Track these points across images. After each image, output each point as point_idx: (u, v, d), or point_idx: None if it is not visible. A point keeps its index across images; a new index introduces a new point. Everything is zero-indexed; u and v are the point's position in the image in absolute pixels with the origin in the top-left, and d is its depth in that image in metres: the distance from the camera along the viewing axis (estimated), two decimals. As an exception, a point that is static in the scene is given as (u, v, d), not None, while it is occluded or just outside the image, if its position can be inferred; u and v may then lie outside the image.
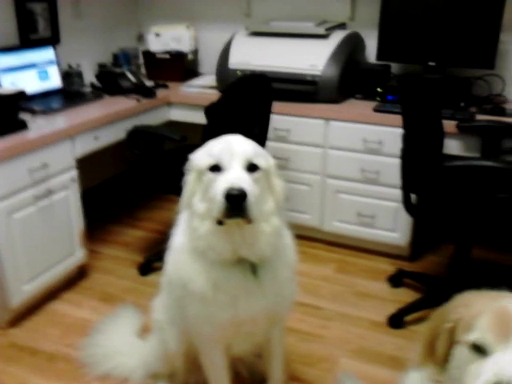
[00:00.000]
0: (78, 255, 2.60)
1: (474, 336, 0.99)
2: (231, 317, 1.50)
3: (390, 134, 2.64)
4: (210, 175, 1.36)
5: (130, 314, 2.27)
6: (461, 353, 1.03)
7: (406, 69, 3.07)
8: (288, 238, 1.61)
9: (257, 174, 1.37)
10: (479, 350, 0.98)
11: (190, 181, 1.45)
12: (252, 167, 1.36)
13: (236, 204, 1.28)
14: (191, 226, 1.44)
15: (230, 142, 1.40)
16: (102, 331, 2.17)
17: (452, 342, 1.06)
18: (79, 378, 2.04)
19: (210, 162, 1.37)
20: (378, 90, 2.85)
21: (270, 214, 1.42)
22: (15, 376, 2.06)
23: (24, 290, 2.31)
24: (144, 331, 2.17)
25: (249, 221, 1.33)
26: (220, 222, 1.35)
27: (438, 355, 1.10)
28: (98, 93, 2.98)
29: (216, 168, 1.35)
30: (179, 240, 1.56)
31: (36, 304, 2.46)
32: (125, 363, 2.03)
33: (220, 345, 1.66)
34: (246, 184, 1.31)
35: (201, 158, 1.42)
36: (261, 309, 1.52)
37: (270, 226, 1.42)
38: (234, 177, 1.31)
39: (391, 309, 2.39)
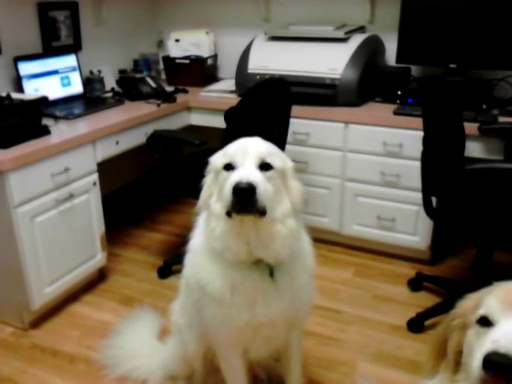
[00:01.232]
0: (98, 258, 2.63)
1: (481, 311, 1.00)
2: (248, 319, 1.50)
3: (410, 137, 2.62)
4: (225, 174, 1.37)
5: (149, 317, 2.29)
6: (471, 335, 1.02)
7: (426, 71, 3.05)
8: (306, 243, 1.60)
9: (270, 173, 1.36)
10: (487, 324, 0.98)
11: (207, 182, 1.47)
12: (265, 166, 1.36)
13: (244, 197, 1.28)
14: (209, 227, 1.45)
15: (245, 142, 1.41)
16: (122, 333, 2.20)
17: (462, 338, 1.05)
18: (99, 380, 2.06)
19: (225, 161, 1.38)
20: (398, 92, 2.83)
21: (286, 215, 1.41)
22: (36, 377, 2.09)
23: (45, 293, 2.34)
24: (163, 333, 2.19)
25: (260, 214, 1.33)
26: (228, 214, 1.35)
27: (450, 356, 1.08)
28: (118, 98, 3.02)
29: (230, 167, 1.36)
30: (197, 242, 1.57)
31: (57, 306, 2.49)
32: (144, 365, 2.04)
33: (238, 348, 1.65)
34: (256, 179, 1.30)
35: (217, 158, 1.44)
36: (278, 311, 1.51)
37: (285, 228, 1.41)
38: (244, 172, 1.32)
39: (411, 313, 2.36)
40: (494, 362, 0.89)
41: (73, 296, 2.57)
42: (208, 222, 1.46)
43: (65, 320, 2.44)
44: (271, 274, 1.46)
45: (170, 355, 1.93)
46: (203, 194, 1.47)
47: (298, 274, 1.53)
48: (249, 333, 1.56)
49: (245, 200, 1.28)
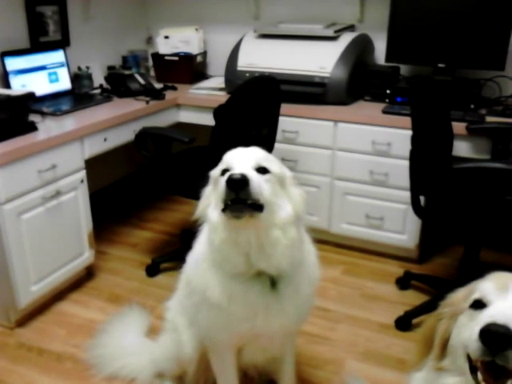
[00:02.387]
0: (86, 256, 2.61)
1: (475, 295, 1.04)
2: (247, 330, 1.49)
3: (398, 136, 2.63)
4: (221, 178, 1.35)
5: (138, 315, 2.27)
6: (462, 320, 1.05)
7: (415, 71, 3.06)
8: (311, 254, 1.58)
9: (267, 176, 1.34)
10: (480, 307, 1.01)
11: (206, 192, 1.46)
12: (262, 169, 1.34)
13: (237, 186, 1.25)
14: (209, 237, 1.44)
15: (242, 150, 1.42)
16: (109, 331, 2.18)
17: (451, 325, 1.08)
18: (86, 379, 2.05)
19: (222, 167, 1.38)
20: (387, 91, 2.83)
21: (287, 222, 1.37)
22: (23, 376, 2.07)
23: (32, 291, 2.32)
24: (152, 332, 2.18)
25: (256, 209, 1.29)
26: (225, 208, 1.30)
27: (437, 343, 1.11)
28: (107, 95, 3.00)
29: (226, 171, 1.35)
30: (201, 249, 1.54)
31: (44, 304, 2.47)
32: (132, 363, 2.03)
33: (231, 349, 1.65)
34: (251, 173, 1.29)
35: (216, 169, 1.43)
36: (279, 325, 1.50)
37: (286, 236, 1.37)
38: (239, 169, 1.31)
39: (399, 311, 2.37)
40: (491, 332, 0.91)
41: (60, 294, 2.55)
42: (208, 233, 1.44)
43: (52, 318, 2.42)
44: (273, 285, 1.43)
45: (162, 353, 1.91)
46: (201, 204, 1.46)
47: (302, 286, 1.50)
48: (245, 339, 1.57)
49: (238, 189, 1.25)
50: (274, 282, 1.43)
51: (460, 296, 1.10)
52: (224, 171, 1.36)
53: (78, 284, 2.65)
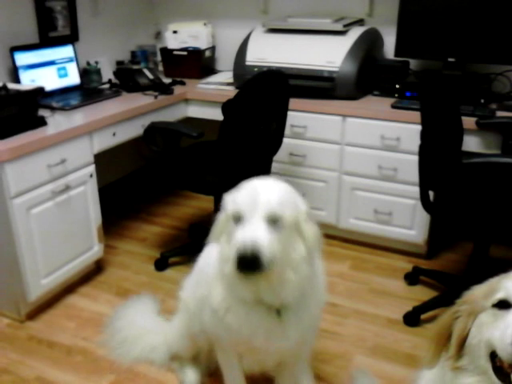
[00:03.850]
0: (95, 250, 2.62)
1: (499, 295, 1.01)
2: (243, 342, 1.50)
3: (407, 131, 2.61)
4: (233, 224, 1.32)
5: (149, 301, 2.31)
6: (483, 319, 1.03)
7: (424, 65, 3.04)
8: (320, 277, 1.55)
9: (280, 227, 1.30)
10: (506, 307, 0.99)
11: (220, 219, 1.43)
12: (275, 220, 1.29)
13: (248, 265, 1.23)
14: (219, 264, 1.43)
15: (255, 189, 1.33)
16: (123, 316, 2.22)
17: (468, 324, 1.06)
18: (96, 371, 2.06)
19: (233, 210, 1.32)
20: (396, 86, 2.82)
21: (299, 261, 1.36)
22: (33, 368, 2.09)
23: (42, 284, 2.34)
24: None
25: (268, 274, 1.29)
26: (235, 269, 1.29)
27: (454, 342, 1.09)
28: (115, 89, 3.00)
29: (239, 218, 1.30)
30: (213, 261, 1.53)
31: (53, 298, 2.49)
32: (147, 343, 2.07)
33: (233, 350, 1.66)
34: (263, 241, 1.24)
35: (230, 201, 1.38)
36: (280, 348, 1.50)
37: (297, 276, 1.36)
38: (249, 235, 1.25)
39: (407, 307, 2.37)
40: None
41: (69, 288, 2.57)
42: (218, 261, 1.44)
43: (61, 312, 2.44)
44: (278, 313, 1.43)
45: (176, 332, 1.94)
46: (215, 230, 1.44)
47: (308, 312, 1.48)
48: (244, 349, 1.58)
49: (248, 266, 1.24)
50: (278, 311, 1.43)
51: (479, 293, 1.08)
52: (236, 217, 1.31)
53: (88, 278, 2.67)
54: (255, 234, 1.25)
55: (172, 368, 2.05)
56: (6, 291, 2.33)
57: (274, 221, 1.28)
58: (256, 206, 1.28)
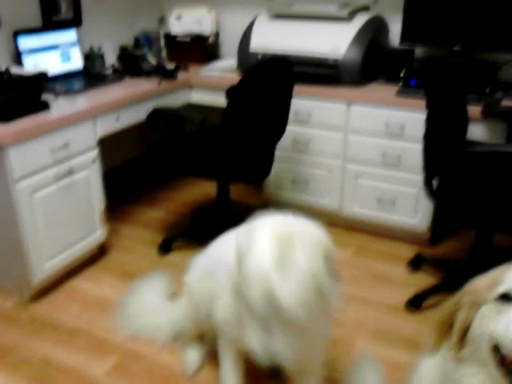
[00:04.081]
0: (98, 234, 2.63)
1: (502, 288, 1.00)
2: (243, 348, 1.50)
3: (412, 119, 2.61)
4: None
5: (158, 279, 2.33)
6: (486, 312, 1.03)
7: (430, 53, 3.02)
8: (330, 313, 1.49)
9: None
10: (508, 300, 0.99)
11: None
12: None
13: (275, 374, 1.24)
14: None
15: (274, 292, 1.19)
16: (130, 294, 2.25)
17: (471, 315, 1.06)
18: (99, 353, 2.08)
19: (253, 310, 1.24)
20: (401, 73, 2.81)
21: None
22: (37, 349, 2.10)
23: (45, 267, 2.35)
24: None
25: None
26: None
27: (456, 332, 1.09)
28: (119, 75, 2.99)
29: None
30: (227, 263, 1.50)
31: (57, 280, 2.50)
32: (152, 321, 2.10)
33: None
34: (285, 352, 1.23)
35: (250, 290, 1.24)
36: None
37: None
38: (272, 349, 1.22)
39: (409, 293, 2.38)
40: None
41: (73, 271, 2.58)
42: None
43: (65, 294, 2.45)
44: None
45: (181, 314, 1.97)
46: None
47: (316, 333, 1.47)
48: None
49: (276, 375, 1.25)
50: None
51: (481, 284, 1.07)
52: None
53: (91, 261, 2.68)
54: (278, 345, 1.23)
55: (174, 348, 2.07)
56: (10, 273, 2.35)
57: (297, 326, 1.23)
58: (276, 314, 1.21)
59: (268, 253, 1.20)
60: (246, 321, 1.30)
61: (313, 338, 1.43)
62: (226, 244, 1.66)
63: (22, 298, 2.37)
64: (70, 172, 2.38)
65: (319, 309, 1.27)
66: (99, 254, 2.74)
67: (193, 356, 1.99)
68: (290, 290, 1.18)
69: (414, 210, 2.77)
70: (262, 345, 1.22)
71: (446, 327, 1.12)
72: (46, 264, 2.35)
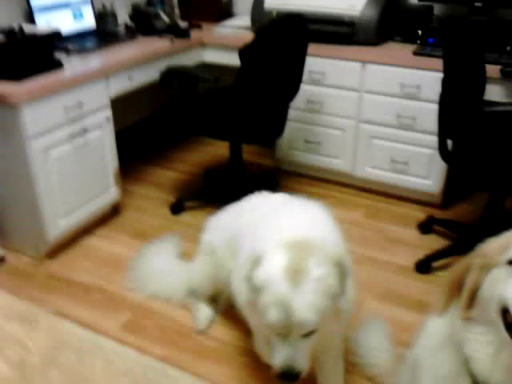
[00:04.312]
0: (111, 193, 2.66)
1: None
2: None
3: (428, 79, 2.55)
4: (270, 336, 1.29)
5: (169, 241, 2.37)
6: (497, 275, 1.03)
7: (449, 10, 2.94)
8: (348, 301, 1.42)
9: (315, 333, 1.27)
10: None
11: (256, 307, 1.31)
12: (312, 332, 1.25)
13: (289, 380, 1.25)
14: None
15: (287, 306, 1.19)
16: (144, 257, 2.29)
17: (481, 277, 1.06)
18: (113, 309, 2.14)
19: (269, 327, 1.25)
20: (419, 32, 2.74)
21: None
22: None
23: (60, 225, 2.39)
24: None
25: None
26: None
27: (466, 293, 1.10)
28: (131, 33, 2.96)
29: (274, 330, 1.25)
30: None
31: (71, 238, 2.55)
32: (169, 283, 2.14)
33: None
34: (301, 362, 1.24)
35: (269, 313, 1.23)
36: None
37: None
38: (288, 357, 1.24)
39: (420, 255, 2.39)
40: None
41: (87, 229, 2.62)
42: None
43: (79, 252, 2.50)
44: None
45: (198, 273, 1.98)
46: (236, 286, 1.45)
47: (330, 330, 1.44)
48: None
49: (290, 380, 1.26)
50: None
51: (493, 247, 1.07)
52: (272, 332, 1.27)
53: (105, 220, 2.72)
54: (293, 354, 1.23)
55: (187, 304, 2.11)
56: (25, 231, 2.39)
57: (311, 333, 1.25)
58: (291, 326, 1.21)
59: (280, 264, 1.21)
60: (260, 330, 1.37)
61: (327, 335, 1.42)
62: (248, 214, 1.68)
63: (37, 255, 2.42)
64: (84, 131, 2.39)
65: (332, 314, 1.29)
66: (112, 213, 2.78)
67: (204, 313, 2.04)
68: (303, 302, 1.18)
69: (427, 172, 2.75)
70: (280, 357, 1.24)
71: (456, 288, 1.13)
72: (60, 222, 2.39)
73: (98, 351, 0.89)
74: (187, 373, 0.85)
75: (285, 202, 1.67)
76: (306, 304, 1.19)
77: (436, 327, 1.29)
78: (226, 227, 1.83)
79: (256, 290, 1.26)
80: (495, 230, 1.16)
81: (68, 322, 0.98)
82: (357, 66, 2.71)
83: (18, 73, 2.16)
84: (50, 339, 0.91)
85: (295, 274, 1.20)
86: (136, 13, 3.13)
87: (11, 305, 1.00)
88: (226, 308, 2.06)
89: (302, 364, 1.25)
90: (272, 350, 1.28)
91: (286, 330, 1.22)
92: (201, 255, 1.98)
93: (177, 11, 3.47)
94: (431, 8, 2.83)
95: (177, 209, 2.82)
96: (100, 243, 2.57)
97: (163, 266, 2.22)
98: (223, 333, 2.01)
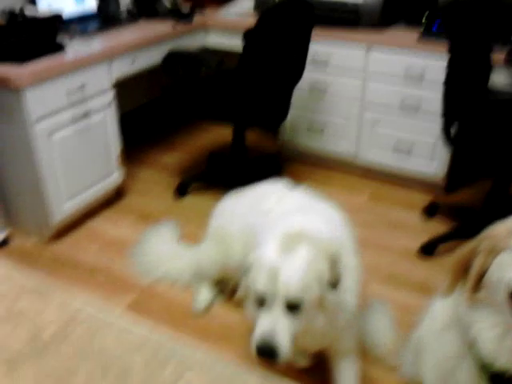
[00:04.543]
0: (115, 176, 2.66)
1: None
2: None
3: (433, 65, 2.54)
4: (254, 304, 1.32)
5: (170, 226, 2.39)
6: (505, 259, 1.04)
7: (454, -6, 2.91)
8: (350, 290, 1.45)
9: (301, 310, 1.27)
10: None
11: (247, 282, 1.37)
12: (296, 305, 1.26)
13: (266, 355, 1.25)
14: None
15: (275, 270, 1.26)
16: (146, 241, 2.30)
17: (489, 260, 1.07)
18: (118, 290, 2.15)
19: (255, 292, 1.29)
20: (424, 17, 2.72)
21: (323, 328, 1.36)
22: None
23: (64, 208, 2.40)
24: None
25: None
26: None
27: (473, 276, 1.10)
28: (133, 17, 2.94)
29: (259, 300, 1.29)
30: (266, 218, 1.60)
31: (76, 221, 2.55)
32: (175, 267, 2.15)
33: None
34: (281, 334, 1.24)
35: (254, 275, 1.31)
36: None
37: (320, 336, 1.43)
38: (268, 330, 1.25)
39: (423, 239, 2.39)
40: None
41: (91, 212, 2.63)
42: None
43: (84, 234, 2.51)
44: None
45: (206, 258, 1.98)
46: (242, 290, 1.44)
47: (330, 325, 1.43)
48: None
49: (267, 356, 1.25)
50: None
51: (502, 231, 1.07)
52: (257, 299, 1.29)
53: (109, 203, 2.72)
54: (274, 327, 1.25)
55: (190, 287, 2.12)
56: (30, 214, 2.40)
57: (294, 306, 1.26)
58: (276, 291, 1.25)
59: (271, 246, 1.30)
60: (250, 301, 1.37)
61: (326, 330, 1.42)
62: (263, 204, 1.69)
63: (42, 237, 2.43)
64: (87, 114, 2.39)
65: (321, 303, 1.31)
66: (116, 196, 2.78)
67: (204, 295, 2.05)
68: (289, 268, 1.26)
69: (430, 159, 2.75)
70: (259, 330, 1.26)
71: (462, 271, 1.13)
72: (64, 205, 2.39)
73: (109, 327, 0.90)
74: (197, 350, 0.85)
75: (304, 204, 1.71)
76: (291, 269, 1.26)
77: (440, 310, 1.30)
78: (242, 214, 1.81)
79: (248, 268, 1.34)
80: (498, 216, 1.17)
81: (76, 300, 0.98)
82: (361, 50, 2.69)
83: (20, 55, 2.15)
84: (62, 316, 0.92)
85: (285, 250, 1.29)
86: (138, -5, 3.10)
87: (21, 283, 1.01)
88: (228, 295, 2.07)
89: (282, 342, 1.23)
90: (255, 326, 1.29)
91: (271, 294, 1.25)
92: (210, 239, 1.98)
93: (180, -6, 3.44)
94: (436, -9, 2.81)
95: (180, 192, 2.82)
96: (104, 226, 2.57)
97: (168, 249, 2.23)
98: (230, 315, 2.02)
